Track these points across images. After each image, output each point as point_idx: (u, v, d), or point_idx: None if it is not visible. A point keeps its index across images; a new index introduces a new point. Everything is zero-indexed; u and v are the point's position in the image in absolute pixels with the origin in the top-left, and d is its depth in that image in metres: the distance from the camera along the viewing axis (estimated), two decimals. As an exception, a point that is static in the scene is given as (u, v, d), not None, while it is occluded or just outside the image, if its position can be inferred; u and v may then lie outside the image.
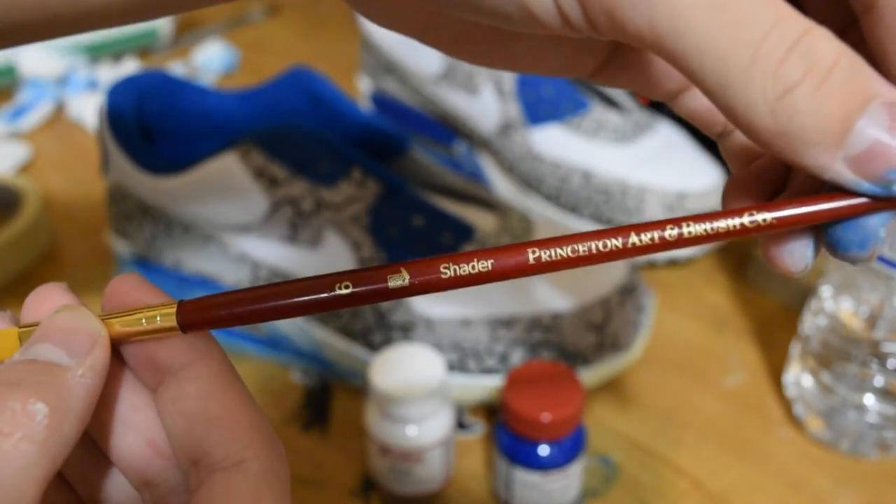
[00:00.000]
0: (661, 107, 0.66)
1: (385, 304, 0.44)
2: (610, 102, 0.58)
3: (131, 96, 0.48)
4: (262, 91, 0.48)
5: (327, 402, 0.47)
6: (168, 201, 0.46)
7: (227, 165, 0.43)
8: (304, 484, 0.43)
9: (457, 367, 0.45)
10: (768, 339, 0.51)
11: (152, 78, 0.49)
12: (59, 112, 0.74)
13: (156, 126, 0.50)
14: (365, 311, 0.45)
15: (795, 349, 0.46)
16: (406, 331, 0.45)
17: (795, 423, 0.46)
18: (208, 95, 0.50)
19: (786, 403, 0.47)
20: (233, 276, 0.47)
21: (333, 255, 0.44)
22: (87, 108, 0.72)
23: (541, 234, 0.48)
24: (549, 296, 0.45)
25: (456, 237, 0.45)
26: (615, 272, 0.47)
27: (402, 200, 0.44)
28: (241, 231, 0.45)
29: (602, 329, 0.46)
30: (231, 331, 0.49)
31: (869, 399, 0.42)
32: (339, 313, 0.45)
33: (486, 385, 0.46)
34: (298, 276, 0.47)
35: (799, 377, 0.45)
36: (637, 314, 0.47)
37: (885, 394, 0.42)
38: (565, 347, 0.45)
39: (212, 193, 0.44)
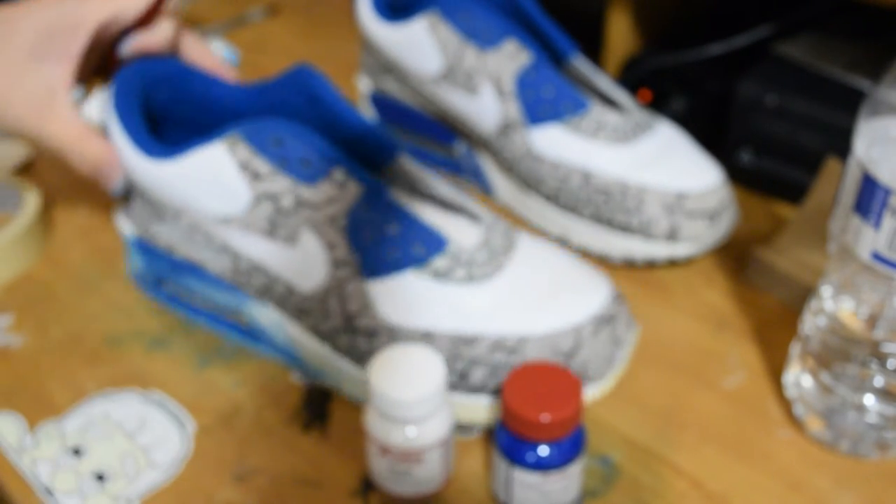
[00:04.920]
0: (661, 107, 0.66)
1: (352, 309, 0.44)
2: (610, 102, 0.58)
3: (140, 82, 0.48)
4: (267, 87, 0.48)
5: (327, 403, 0.47)
6: (160, 186, 0.47)
7: (214, 156, 0.44)
8: (304, 484, 0.43)
9: None
10: (768, 339, 0.51)
11: (162, 65, 0.50)
12: (58, 112, 0.74)
13: (163, 113, 0.50)
14: (334, 313, 0.44)
15: (795, 349, 0.46)
16: (370, 337, 0.44)
17: (795, 423, 0.46)
18: (216, 85, 0.50)
19: (786, 403, 0.47)
20: (216, 265, 0.48)
21: (308, 253, 0.44)
22: (88, 107, 0.72)
23: (523, 251, 0.46)
24: (517, 317, 0.44)
25: (427, 248, 0.44)
26: (595, 299, 0.45)
27: (380, 206, 0.44)
28: (224, 222, 0.45)
29: (570, 357, 0.44)
30: (219, 319, 0.50)
31: (869, 399, 0.42)
32: (308, 312, 0.45)
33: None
34: (276, 272, 0.47)
35: (799, 377, 0.45)
36: (612, 347, 0.45)
37: (885, 394, 0.42)
38: None
39: (198, 182, 0.45)
